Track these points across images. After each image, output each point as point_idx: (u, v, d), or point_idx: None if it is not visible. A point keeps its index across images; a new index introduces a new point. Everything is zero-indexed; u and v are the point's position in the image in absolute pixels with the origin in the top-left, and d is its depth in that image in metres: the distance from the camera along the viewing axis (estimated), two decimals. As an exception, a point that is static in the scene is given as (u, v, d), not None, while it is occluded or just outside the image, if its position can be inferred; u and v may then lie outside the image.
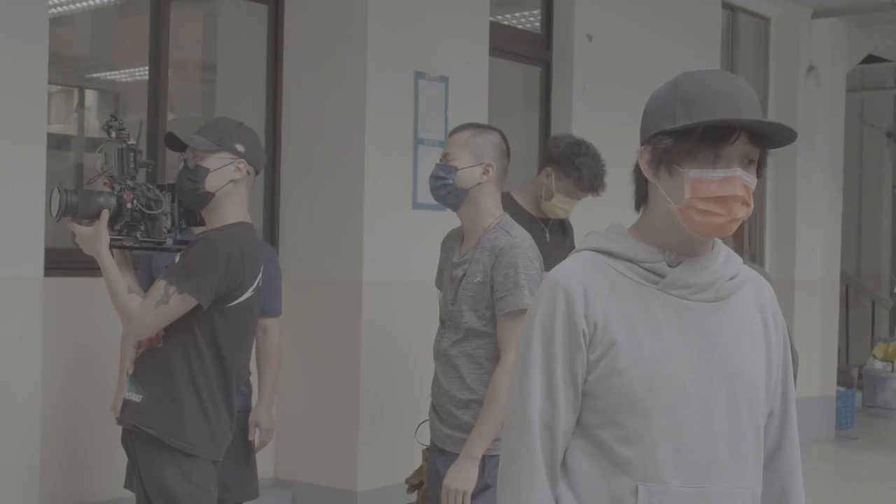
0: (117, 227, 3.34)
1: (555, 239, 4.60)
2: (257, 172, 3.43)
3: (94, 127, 6.55)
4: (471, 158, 3.47)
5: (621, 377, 1.94)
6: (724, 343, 2.00)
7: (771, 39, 9.24)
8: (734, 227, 1.97)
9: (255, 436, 4.31)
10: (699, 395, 1.96)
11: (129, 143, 3.37)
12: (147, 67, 5.45)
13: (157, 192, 3.39)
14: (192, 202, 3.34)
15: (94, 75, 6.47)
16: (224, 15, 6.33)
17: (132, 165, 3.37)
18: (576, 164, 4.46)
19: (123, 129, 3.39)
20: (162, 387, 3.29)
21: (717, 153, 1.93)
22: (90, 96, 6.70)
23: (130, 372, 3.38)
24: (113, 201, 3.32)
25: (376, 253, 5.54)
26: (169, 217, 3.41)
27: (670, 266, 1.99)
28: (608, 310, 1.97)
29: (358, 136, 5.53)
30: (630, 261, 2.00)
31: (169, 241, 3.41)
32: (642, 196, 2.06)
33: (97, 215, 3.29)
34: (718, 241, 2.04)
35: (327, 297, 5.63)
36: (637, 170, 2.05)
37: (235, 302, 3.31)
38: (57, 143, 5.75)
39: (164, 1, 5.39)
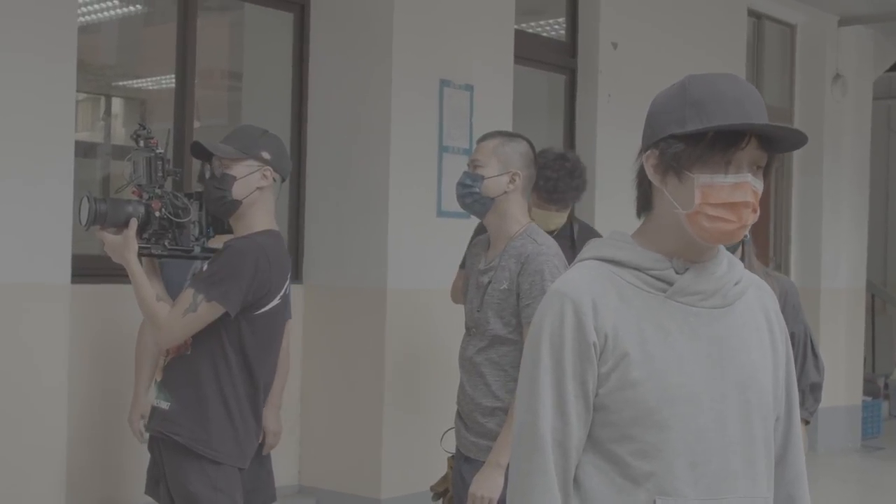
0: (146, 235, 3.35)
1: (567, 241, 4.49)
2: (283, 180, 3.44)
3: (120, 135, 6.59)
4: (498, 167, 3.47)
5: (635, 389, 1.90)
6: (734, 349, 1.97)
7: (797, 47, 9.20)
8: (743, 233, 1.94)
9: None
10: (712, 405, 1.93)
11: (158, 151, 3.39)
12: (173, 75, 5.48)
13: (185, 200, 3.40)
14: (220, 210, 3.35)
15: (121, 83, 6.51)
16: (250, 23, 6.36)
17: (160, 174, 3.38)
18: (539, 175, 4.39)
19: (152, 138, 3.40)
20: (189, 394, 3.30)
21: (727, 158, 1.89)
22: (116, 104, 6.75)
23: (159, 379, 3.40)
24: (141, 210, 3.33)
25: (401, 260, 5.54)
26: (197, 225, 3.42)
27: (678, 273, 1.96)
28: (618, 320, 1.92)
29: (383, 144, 5.54)
30: (637, 269, 1.96)
31: (197, 249, 3.42)
32: (646, 202, 2.02)
33: (126, 223, 3.30)
34: (721, 247, 2.01)
35: (352, 305, 5.64)
36: (640, 174, 2.01)
37: (263, 310, 3.32)
38: (84, 150, 5.78)
39: (190, 9, 5.42)
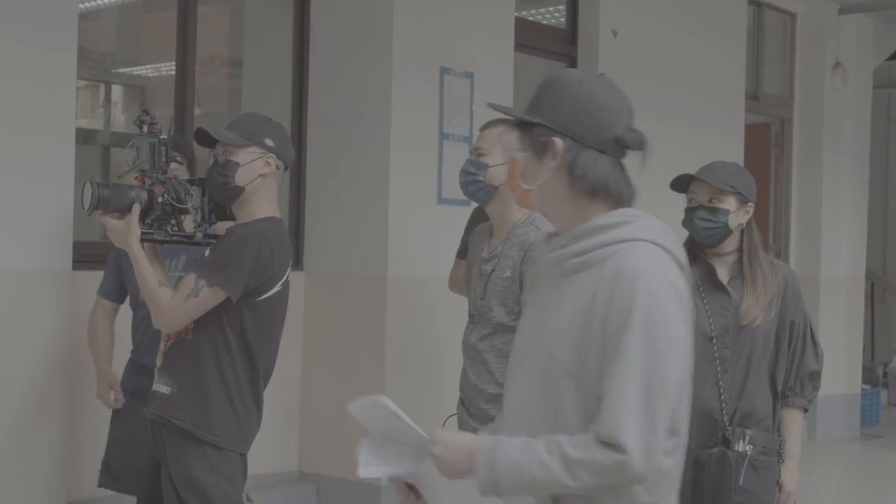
0: (148, 220, 3.36)
1: None
2: (286, 167, 3.45)
3: (120, 122, 6.59)
4: (502, 155, 3.47)
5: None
6: (550, 317, 2.15)
7: (797, 35, 9.19)
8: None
9: None
10: (525, 361, 2.20)
11: (161, 137, 3.39)
12: (173, 63, 5.47)
13: (188, 186, 3.41)
14: (223, 197, 3.35)
15: (121, 70, 6.51)
16: (250, 10, 6.35)
17: (163, 160, 3.39)
18: None
19: (155, 124, 3.40)
20: (190, 379, 3.31)
21: None
22: (116, 91, 6.75)
23: (159, 364, 3.40)
24: (144, 195, 3.34)
25: (401, 248, 5.55)
26: (199, 211, 3.43)
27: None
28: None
29: (383, 131, 5.54)
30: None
31: (199, 235, 3.43)
32: None
33: (128, 209, 3.31)
34: (590, 223, 2.13)
35: (352, 292, 5.64)
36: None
37: (264, 296, 3.32)
38: (83, 137, 5.79)
39: (191, -5, 5.41)
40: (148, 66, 6.59)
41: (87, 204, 3.31)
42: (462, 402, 3.59)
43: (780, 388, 3.48)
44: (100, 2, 6.05)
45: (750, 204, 3.46)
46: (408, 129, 5.58)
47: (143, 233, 3.34)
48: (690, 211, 3.44)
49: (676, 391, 2.06)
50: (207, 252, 3.36)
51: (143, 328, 4.06)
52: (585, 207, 2.16)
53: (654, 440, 2.00)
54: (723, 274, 3.45)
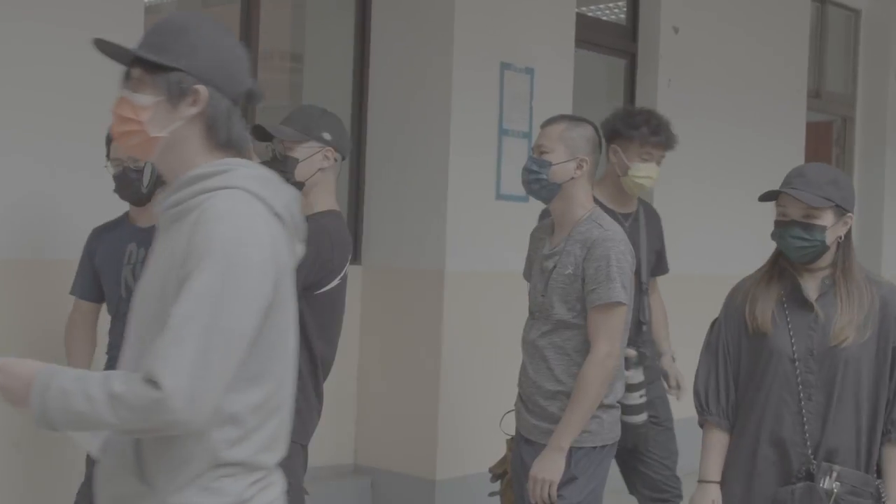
0: None
1: (632, 232, 4.36)
2: (344, 158, 3.46)
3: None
4: (565, 153, 3.45)
5: None
6: (147, 272, 2.08)
7: (861, 33, 9.07)
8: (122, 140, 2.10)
9: None
10: (130, 322, 2.09)
11: None
12: (235, 56, 5.50)
13: None
14: None
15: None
16: (312, 4, 6.38)
17: None
18: (633, 124, 4.32)
19: None
20: None
21: None
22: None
23: None
24: None
25: (459, 243, 5.56)
26: None
27: None
28: None
29: (443, 126, 5.55)
30: None
31: None
32: None
33: None
34: (189, 174, 2.04)
35: (410, 286, 5.66)
36: None
37: (323, 290, 3.34)
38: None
39: (254, -10, 5.45)
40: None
41: (145, 181, 3.47)
42: (521, 398, 3.59)
43: (880, 422, 3.03)
44: (162, -5, 6.11)
45: (849, 215, 3.06)
46: (467, 124, 5.59)
47: None
48: (782, 226, 3.04)
49: (242, 342, 1.92)
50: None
51: (116, 319, 3.75)
52: (207, 158, 2.06)
53: (203, 385, 1.86)
54: (811, 290, 3.06)
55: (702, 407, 3.15)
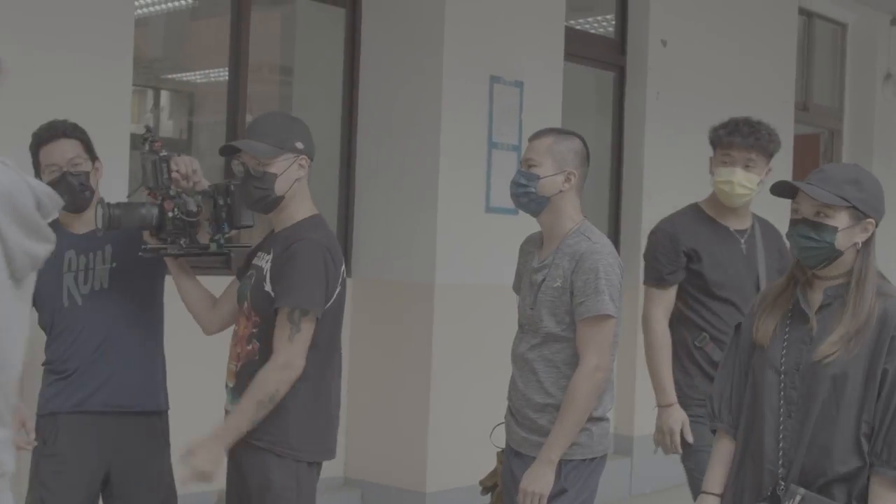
0: (162, 235, 3.41)
1: (749, 250, 4.12)
2: (312, 160, 3.40)
3: (168, 127, 6.65)
4: (553, 166, 3.46)
5: None
6: None
7: (848, 46, 9.13)
8: None
9: None
10: None
11: (162, 154, 3.41)
12: (223, 69, 5.53)
13: (199, 198, 3.42)
14: (262, 208, 3.33)
15: (170, 76, 6.57)
16: (302, 18, 6.40)
17: (165, 176, 3.40)
18: (715, 128, 4.20)
19: (157, 141, 3.43)
20: None
21: None
22: (165, 97, 6.80)
23: (231, 385, 3.34)
24: (155, 211, 3.38)
25: (449, 255, 5.57)
26: (212, 223, 3.43)
27: None
28: None
29: (433, 139, 5.57)
30: None
31: (213, 247, 3.43)
32: None
33: (140, 226, 3.38)
34: None
35: (399, 299, 5.67)
36: None
37: (329, 303, 3.31)
38: (133, 142, 5.84)
39: (244, 3, 5.46)
40: (197, 73, 6.64)
41: (99, 224, 3.36)
42: (510, 411, 3.59)
43: (865, 449, 2.74)
44: (149, 9, 6.11)
45: (869, 220, 2.83)
46: (457, 137, 5.61)
47: (157, 248, 3.39)
48: (793, 224, 2.84)
49: None
50: (268, 278, 3.27)
51: (59, 331, 3.60)
52: None
53: None
54: (813, 299, 2.85)
55: (713, 414, 3.03)
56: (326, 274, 3.24)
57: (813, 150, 9.08)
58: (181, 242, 3.40)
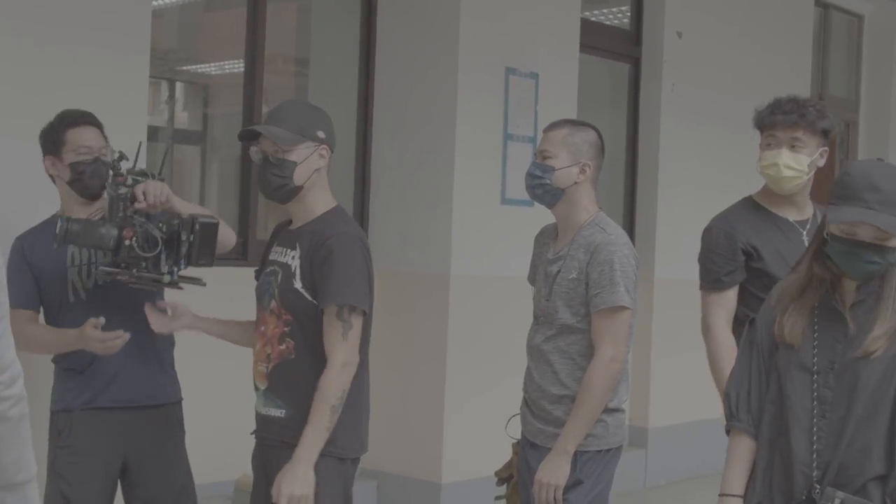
0: (117, 259, 3.33)
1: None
2: (332, 151, 3.33)
3: (182, 119, 6.67)
4: (568, 158, 3.47)
5: None
6: None
7: (864, 38, 9.09)
8: None
9: None
10: None
11: (121, 192, 3.34)
12: (238, 60, 5.54)
13: (159, 232, 3.33)
14: (280, 197, 3.25)
15: (186, 67, 6.58)
16: (318, 9, 6.40)
17: (120, 214, 3.34)
18: (758, 110, 3.89)
19: (120, 176, 3.36)
20: (304, 398, 3.15)
21: None
22: (180, 88, 6.82)
23: (263, 387, 3.28)
24: (114, 233, 3.31)
25: (464, 247, 5.58)
26: (166, 259, 3.34)
27: None
28: None
29: (448, 131, 5.57)
30: None
31: (166, 278, 3.35)
32: None
33: (97, 245, 3.32)
34: None
35: (415, 290, 5.68)
36: None
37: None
38: (148, 134, 5.86)
39: (261, -6, 5.48)
40: (212, 64, 6.64)
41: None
42: (526, 402, 3.60)
43: None
44: (165, 0, 6.12)
45: None
46: (472, 128, 5.61)
47: (110, 271, 3.33)
48: (848, 245, 2.67)
49: None
50: (294, 277, 3.21)
51: (66, 327, 3.56)
52: None
53: None
54: (846, 296, 2.76)
55: (731, 412, 2.90)
56: (367, 267, 3.20)
57: (829, 141, 9.05)
58: (133, 271, 3.32)
